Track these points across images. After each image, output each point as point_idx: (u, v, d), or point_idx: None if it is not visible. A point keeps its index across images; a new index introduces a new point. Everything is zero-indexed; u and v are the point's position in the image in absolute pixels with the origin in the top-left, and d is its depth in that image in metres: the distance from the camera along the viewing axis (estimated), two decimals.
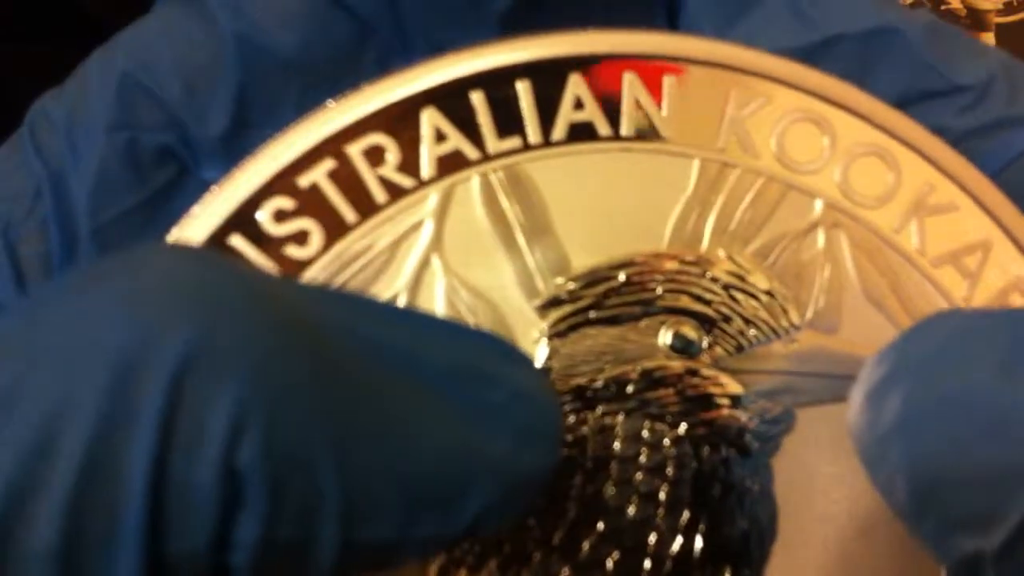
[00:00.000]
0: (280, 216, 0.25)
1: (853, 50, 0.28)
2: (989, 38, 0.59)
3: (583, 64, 0.27)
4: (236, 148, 0.26)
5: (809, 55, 0.28)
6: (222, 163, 0.26)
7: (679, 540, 0.25)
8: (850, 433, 0.22)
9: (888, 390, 0.21)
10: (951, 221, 0.27)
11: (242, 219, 0.25)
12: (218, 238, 0.25)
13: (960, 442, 0.20)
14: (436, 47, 0.26)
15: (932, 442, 0.20)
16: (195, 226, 0.25)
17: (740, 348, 0.26)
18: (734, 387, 0.26)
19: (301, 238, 0.25)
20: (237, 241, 0.25)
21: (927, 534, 0.21)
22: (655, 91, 0.27)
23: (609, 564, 0.25)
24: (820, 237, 0.26)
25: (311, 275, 0.25)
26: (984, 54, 0.28)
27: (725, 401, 0.26)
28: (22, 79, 0.28)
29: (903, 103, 0.27)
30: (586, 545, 0.25)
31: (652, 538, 0.25)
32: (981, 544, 0.19)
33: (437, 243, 0.25)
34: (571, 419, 0.25)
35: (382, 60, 0.27)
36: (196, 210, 0.25)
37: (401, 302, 0.25)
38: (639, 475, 0.25)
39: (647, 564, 0.25)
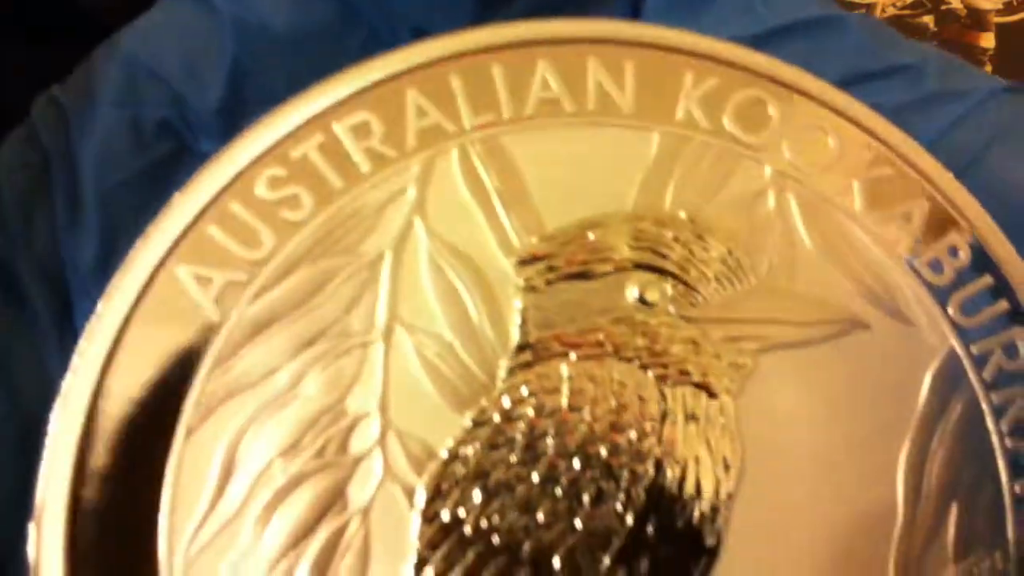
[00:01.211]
0: (274, 183, 0.27)
1: (799, 37, 0.30)
2: (989, 38, 0.61)
3: (552, 48, 0.29)
4: (231, 123, 0.28)
5: (759, 43, 0.30)
6: (219, 138, 0.28)
7: (650, 471, 0.27)
8: None
9: None
10: (890, 184, 0.29)
11: (239, 186, 0.27)
12: (217, 203, 0.27)
13: None
14: (417, 30, 0.29)
15: None
16: (196, 192, 0.27)
17: (701, 300, 0.28)
18: (697, 335, 0.28)
19: (293, 203, 0.27)
20: (234, 206, 0.27)
21: None
22: (617, 73, 0.29)
23: (585, 498, 0.26)
24: (770, 199, 0.29)
25: (303, 236, 0.27)
26: (917, 43, 0.31)
27: (690, 347, 0.28)
28: (22, 79, 0.30)
29: (845, 83, 0.30)
30: (563, 480, 0.26)
31: (625, 473, 0.27)
32: None
33: (420, 207, 0.28)
34: (546, 367, 0.27)
35: (367, 40, 0.29)
36: (196, 178, 0.27)
37: (387, 261, 0.27)
38: (611, 415, 0.27)
39: (620, 497, 0.26)
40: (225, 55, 0.27)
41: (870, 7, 0.62)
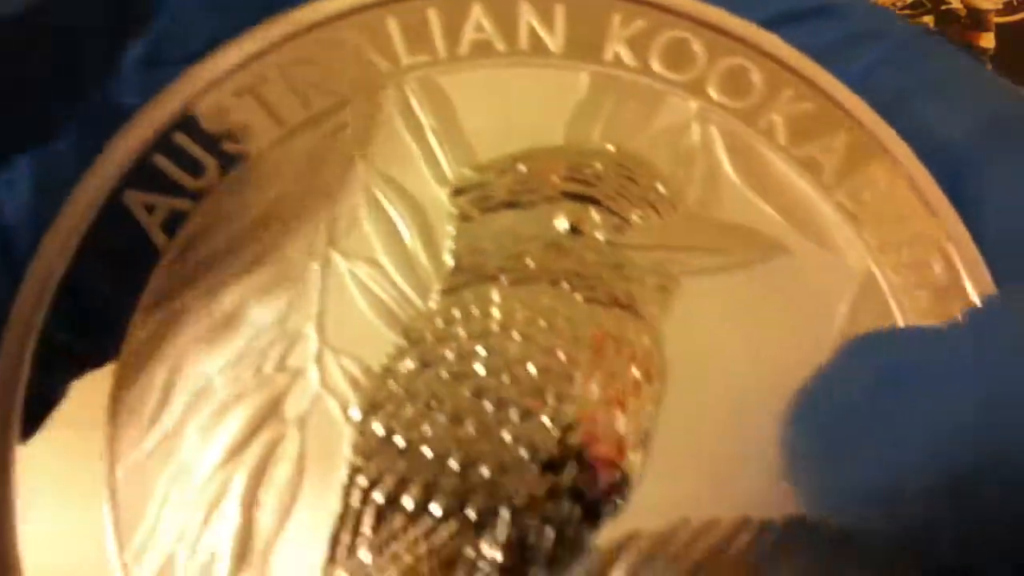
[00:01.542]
0: (219, 115, 0.29)
1: None
2: (989, 38, 0.60)
3: None
4: (152, 77, 0.29)
5: None
6: (140, 90, 0.29)
7: (577, 389, 0.28)
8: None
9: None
10: (813, 119, 0.30)
11: (186, 117, 0.29)
12: (164, 133, 0.28)
13: None
14: None
15: None
16: (143, 123, 0.28)
17: (628, 227, 0.29)
18: (624, 260, 0.29)
19: (237, 135, 0.29)
20: (179, 136, 0.28)
21: None
22: (548, 15, 0.31)
23: (513, 413, 0.27)
24: (695, 133, 0.30)
25: (245, 165, 0.28)
26: None
27: (616, 272, 0.29)
28: None
29: (771, 23, 0.31)
30: (493, 397, 0.28)
31: (553, 390, 0.28)
32: None
33: (358, 142, 0.29)
34: (478, 290, 0.28)
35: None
36: (144, 110, 0.29)
37: (326, 190, 0.29)
38: (540, 336, 0.28)
39: (548, 412, 0.27)
40: (147, 16, 0.29)
41: None
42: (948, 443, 0.23)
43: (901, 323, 0.29)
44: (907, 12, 0.63)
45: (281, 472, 0.27)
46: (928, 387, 0.24)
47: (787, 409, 0.26)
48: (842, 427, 0.26)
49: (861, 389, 0.26)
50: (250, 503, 0.26)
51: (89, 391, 0.27)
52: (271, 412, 0.27)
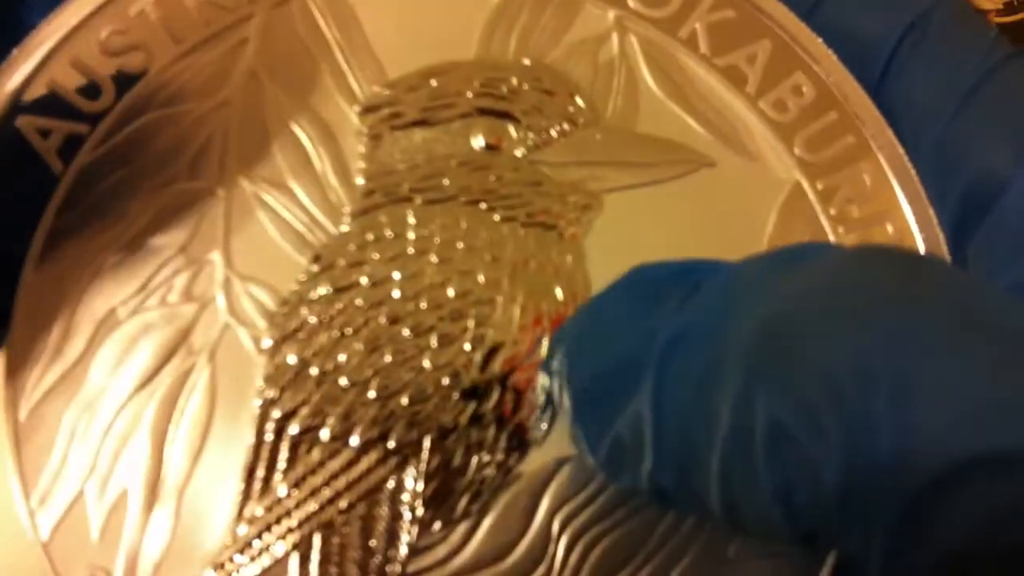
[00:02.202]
0: (113, 37, 0.27)
1: None
2: None
3: None
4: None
5: None
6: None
7: (498, 311, 0.27)
8: None
9: None
10: (734, 27, 0.29)
11: (79, 39, 0.27)
12: (58, 56, 0.27)
13: None
14: None
15: None
16: (36, 47, 0.27)
17: (546, 144, 0.28)
18: (543, 177, 0.28)
19: (133, 56, 0.27)
20: (73, 61, 0.27)
21: None
22: None
23: (433, 339, 0.26)
24: (614, 43, 0.29)
25: (143, 87, 0.27)
26: None
27: (536, 189, 0.28)
28: None
29: None
30: (410, 322, 0.27)
31: (472, 312, 0.27)
32: None
33: (260, 58, 0.28)
34: (391, 212, 0.27)
35: None
36: (35, 34, 0.27)
37: (229, 108, 0.27)
38: (458, 258, 0.27)
39: (468, 337, 0.26)
40: None
41: None
42: None
43: (829, 232, 0.28)
44: None
45: (192, 405, 0.26)
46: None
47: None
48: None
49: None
50: (161, 437, 0.25)
51: None
52: (179, 343, 0.26)
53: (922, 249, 0.28)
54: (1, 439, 0.25)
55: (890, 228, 0.28)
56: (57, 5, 0.28)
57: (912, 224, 0.28)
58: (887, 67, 0.29)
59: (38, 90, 0.27)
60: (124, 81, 0.27)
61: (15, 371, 0.25)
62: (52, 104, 0.27)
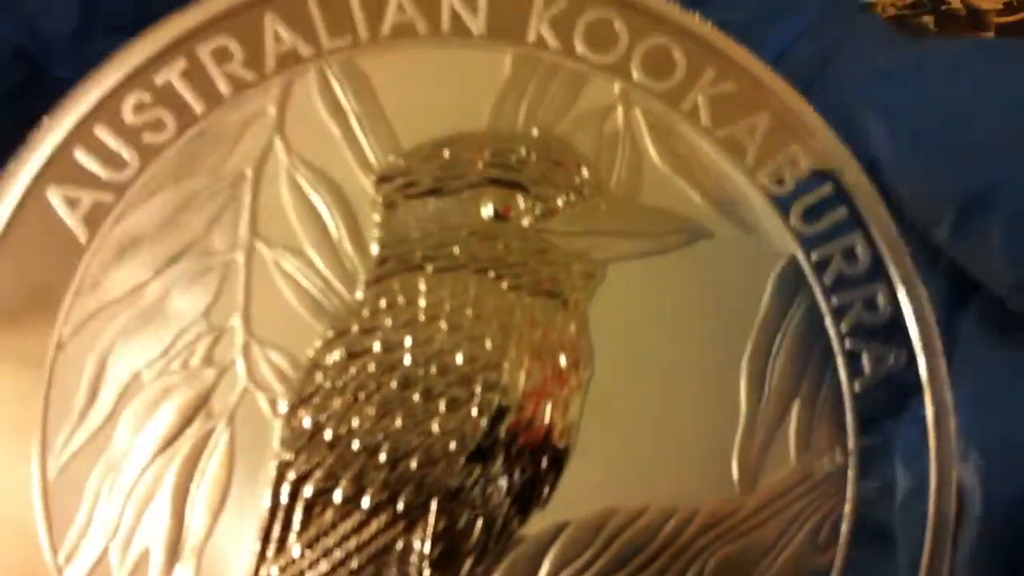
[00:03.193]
0: (138, 108, 0.28)
1: None
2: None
3: None
4: (83, 49, 0.29)
5: None
6: (72, 63, 0.29)
7: (504, 377, 0.28)
8: None
9: None
10: (735, 100, 0.30)
11: (105, 110, 0.28)
12: (84, 127, 0.28)
13: None
14: None
15: None
16: (64, 117, 0.28)
17: (553, 214, 0.29)
18: (549, 246, 0.29)
19: (157, 126, 0.28)
20: (100, 131, 0.28)
21: None
22: None
23: (441, 404, 0.28)
24: (619, 115, 0.30)
25: (166, 156, 0.28)
26: None
27: (542, 258, 0.29)
28: None
29: (693, 1, 0.31)
30: (420, 387, 0.28)
31: (480, 379, 0.28)
32: None
33: (279, 128, 0.29)
34: (404, 279, 0.28)
35: None
36: (63, 103, 0.28)
37: (248, 180, 0.28)
38: (466, 325, 0.28)
39: (475, 402, 0.28)
40: None
41: (871, 6, 0.62)
42: None
43: (823, 305, 0.29)
44: (907, 12, 0.63)
45: (212, 467, 0.27)
46: None
47: None
48: None
49: None
50: (182, 498, 0.27)
51: (19, 389, 0.27)
52: (200, 406, 0.27)
53: (910, 318, 0.29)
54: (31, 497, 0.26)
55: (880, 298, 0.29)
56: (82, 56, 0.29)
57: (902, 295, 0.29)
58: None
59: (66, 160, 0.28)
60: (147, 151, 0.28)
61: (46, 431, 0.26)
62: (79, 173, 0.28)
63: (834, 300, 0.29)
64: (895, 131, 0.30)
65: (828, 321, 0.29)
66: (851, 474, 0.28)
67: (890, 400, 0.29)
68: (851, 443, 0.29)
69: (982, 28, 0.61)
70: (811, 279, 0.29)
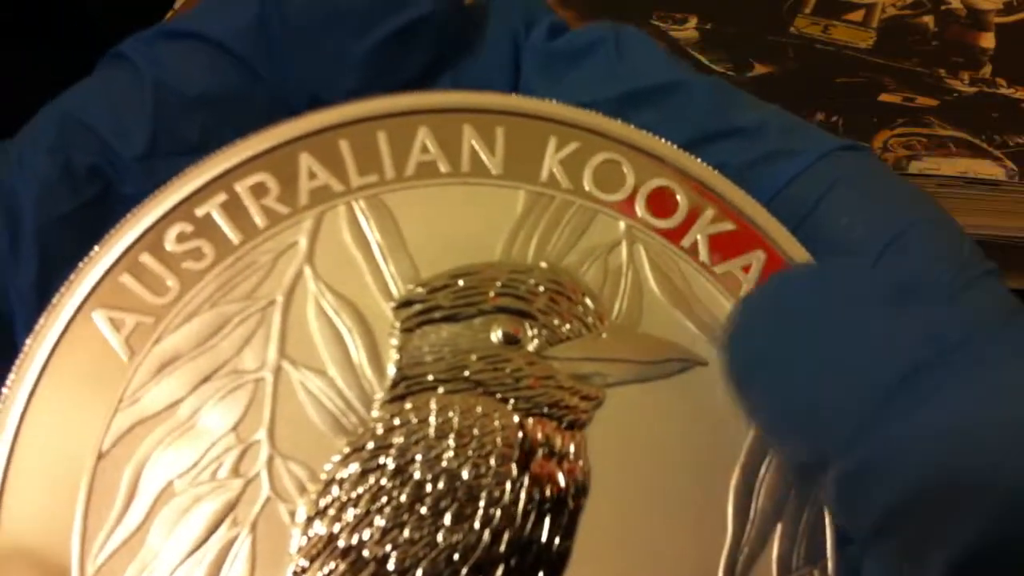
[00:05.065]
0: (180, 237, 0.31)
1: (656, 98, 0.34)
2: (989, 38, 0.62)
3: (431, 116, 0.33)
4: (151, 168, 0.32)
5: (620, 103, 0.34)
6: (140, 181, 0.32)
7: (507, 493, 0.30)
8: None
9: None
10: (731, 239, 0.33)
11: (150, 240, 0.31)
12: (131, 255, 0.31)
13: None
14: (313, 96, 0.33)
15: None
16: (113, 245, 0.31)
17: (558, 341, 0.32)
18: (554, 371, 0.31)
19: (196, 255, 0.31)
20: (145, 258, 0.31)
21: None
22: (489, 138, 0.33)
23: (447, 517, 0.30)
24: (623, 251, 0.32)
25: (205, 283, 0.31)
26: (762, 105, 0.35)
27: (547, 382, 0.31)
28: (22, 81, 0.34)
29: (694, 143, 0.33)
30: (428, 501, 0.30)
31: (484, 494, 0.30)
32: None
33: (309, 258, 0.31)
34: (417, 399, 0.31)
35: (270, 102, 0.33)
36: (113, 233, 0.31)
37: (279, 305, 0.31)
38: (474, 443, 0.31)
39: (479, 516, 0.30)
40: (147, 110, 0.31)
41: (871, 7, 0.63)
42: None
43: None
44: (907, 12, 0.65)
45: (235, 571, 0.29)
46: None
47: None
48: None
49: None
50: None
51: (60, 495, 0.30)
52: (225, 515, 0.30)
53: None
54: None
55: None
56: (151, 175, 0.32)
57: None
58: None
59: (113, 284, 0.31)
60: (188, 277, 0.31)
61: (86, 534, 0.29)
62: (124, 297, 0.31)
63: None
64: None
65: None
66: None
67: None
68: (830, 566, 0.30)
69: (982, 28, 0.62)
70: None
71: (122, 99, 0.33)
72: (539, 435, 0.31)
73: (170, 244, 0.31)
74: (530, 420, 0.31)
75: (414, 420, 0.30)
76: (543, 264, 0.32)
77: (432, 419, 0.31)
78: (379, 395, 0.31)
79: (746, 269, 0.32)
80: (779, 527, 0.31)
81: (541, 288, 0.32)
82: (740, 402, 0.29)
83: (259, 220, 0.31)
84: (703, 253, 0.32)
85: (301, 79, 0.33)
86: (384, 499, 0.30)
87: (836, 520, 0.30)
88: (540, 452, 0.31)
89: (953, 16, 0.63)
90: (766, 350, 0.28)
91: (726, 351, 0.29)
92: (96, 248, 0.31)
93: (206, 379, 0.30)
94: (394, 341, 0.31)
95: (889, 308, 0.27)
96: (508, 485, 0.30)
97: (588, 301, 0.32)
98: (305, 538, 0.30)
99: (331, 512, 0.30)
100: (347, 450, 0.30)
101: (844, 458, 0.26)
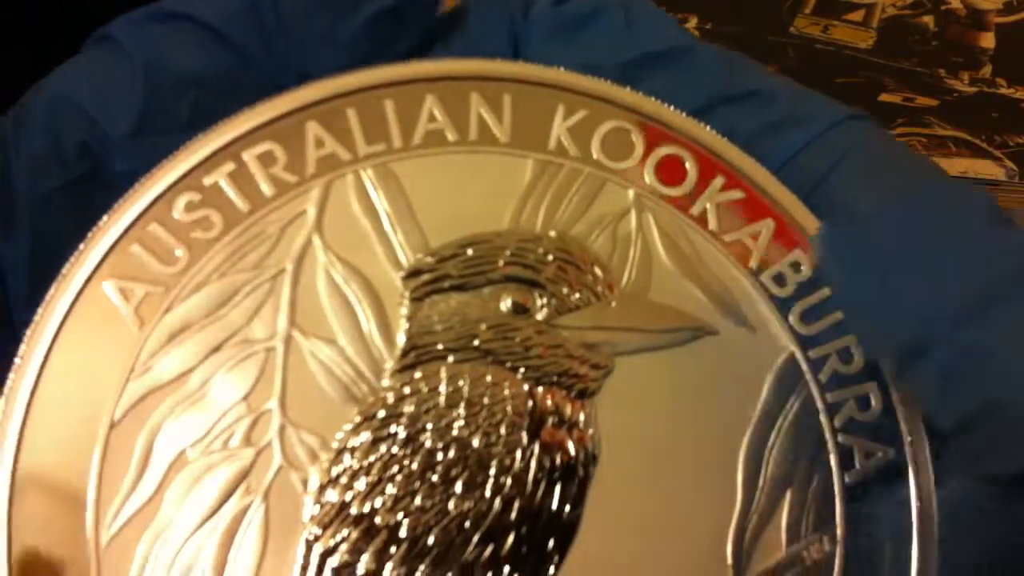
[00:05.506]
0: (189, 207, 0.31)
1: (665, 63, 0.34)
2: (989, 38, 0.61)
3: (438, 84, 0.33)
4: (142, 146, 0.32)
5: (630, 67, 0.34)
6: (131, 159, 0.32)
7: (518, 461, 0.30)
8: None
9: None
10: (740, 206, 0.33)
11: (158, 210, 0.31)
12: (139, 224, 0.31)
13: None
14: (303, 75, 0.33)
15: None
16: (121, 215, 0.31)
17: (568, 310, 0.32)
18: (563, 340, 0.31)
19: (205, 224, 0.31)
20: (154, 227, 0.31)
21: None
22: (496, 106, 0.33)
23: (458, 485, 0.30)
24: (632, 219, 0.32)
25: (214, 252, 0.31)
26: (771, 74, 0.35)
27: (556, 351, 0.31)
28: (22, 79, 0.34)
29: (703, 109, 0.33)
30: (439, 469, 0.30)
31: (495, 463, 0.30)
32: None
33: (317, 227, 0.31)
34: (427, 368, 0.31)
35: (259, 81, 0.33)
36: (122, 203, 0.31)
37: (288, 274, 0.31)
38: (484, 412, 0.31)
39: (490, 484, 0.30)
40: (136, 90, 0.31)
41: (871, 7, 0.63)
42: None
43: (818, 402, 0.31)
44: (907, 12, 0.64)
45: (248, 539, 0.30)
46: None
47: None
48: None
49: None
50: (220, 568, 0.29)
51: (76, 465, 0.30)
52: (238, 483, 0.30)
53: (900, 415, 0.31)
54: (86, 562, 0.29)
55: (872, 397, 0.31)
56: (141, 152, 0.32)
57: (893, 394, 0.31)
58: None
59: (123, 255, 0.31)
60: (196, 246, 0.31)
61: (100, 503, 0.29)
62: (134, 267, 0.31)
63: (828, 397, 0.31)
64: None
65: (822, 416, 0.31)
66: (838, 563, 0.31)
67: (878, 491, 0.31)
68: (839, 532, 0.31)
69: (982, 28, 0.62)
70: (808, 377, 0.32)
71: (110, 79, 0.33)
72: (549, 404, 0.31)
73: (178, 213, 0.31)
74: (540, 389, 0.31)
75: (424, 389, 0.31)
76: (552, 233, 0.32)
77: (442, 388, 0.31)
78: (389, 364, 0.31)
79: (755, 237, 0.32)
80: (788, 495, 0.31)
81: (550, 257, 0.32)
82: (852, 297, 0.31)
83: (267, 189, 0.31)
84: (712, 222, 0.32)
85: (291, 58, 0.33)
86: (396, 467, 0.30)
87: (924, 410, 0.31)
88: (550, 421, 0.31)
89: (953, 16, 0.63)
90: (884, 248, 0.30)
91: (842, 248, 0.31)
92: (105, 218, 0.31)
93: (216, 349, 0.30)
94: (403, 310, 0.31)
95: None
96: (518, 453, 0.30)
97: (597, 270, 0.32)
98: (318, 506, 0.30)
99: (343, 480, 0.30)
100: (358, 419, 0.30)
101: (950, 343, 0.28)
